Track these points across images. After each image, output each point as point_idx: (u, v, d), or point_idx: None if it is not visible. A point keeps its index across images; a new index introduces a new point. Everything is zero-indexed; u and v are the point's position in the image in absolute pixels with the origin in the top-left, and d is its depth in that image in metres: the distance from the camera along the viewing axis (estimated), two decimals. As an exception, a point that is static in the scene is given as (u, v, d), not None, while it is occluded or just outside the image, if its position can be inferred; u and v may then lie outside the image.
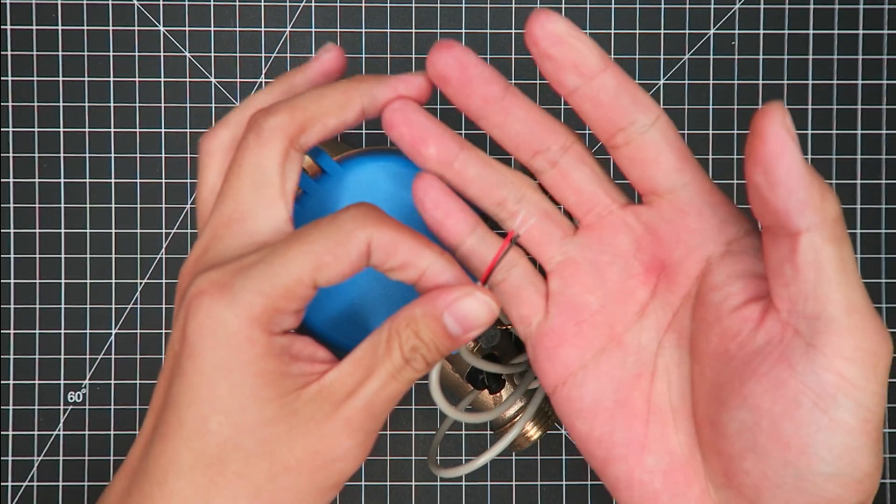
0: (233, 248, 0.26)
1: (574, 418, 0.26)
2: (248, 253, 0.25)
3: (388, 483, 0.43)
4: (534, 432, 0.38)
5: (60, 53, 0.43)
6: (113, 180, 0.43)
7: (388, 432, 0.43)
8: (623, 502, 0.26)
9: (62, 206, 0.43)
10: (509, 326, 0.39)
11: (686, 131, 0.44)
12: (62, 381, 0.43)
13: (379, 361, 0.25)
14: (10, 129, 0.43)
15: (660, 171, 0.25)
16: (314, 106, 0.26)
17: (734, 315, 0.24)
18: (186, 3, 0.43)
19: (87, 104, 0.43)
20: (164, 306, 0.43)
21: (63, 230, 0.43)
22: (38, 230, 0.43)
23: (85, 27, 0.43)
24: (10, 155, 0.43)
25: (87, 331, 0.43)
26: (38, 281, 0.43)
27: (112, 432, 0.43)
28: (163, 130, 0.43)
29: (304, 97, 0.26)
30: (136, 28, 0.43)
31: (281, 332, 0.25)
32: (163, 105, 0.43)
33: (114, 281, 0.43)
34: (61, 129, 0.43)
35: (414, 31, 0.43)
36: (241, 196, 0.26)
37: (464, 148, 0.26)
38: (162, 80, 0.43)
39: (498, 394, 0.38)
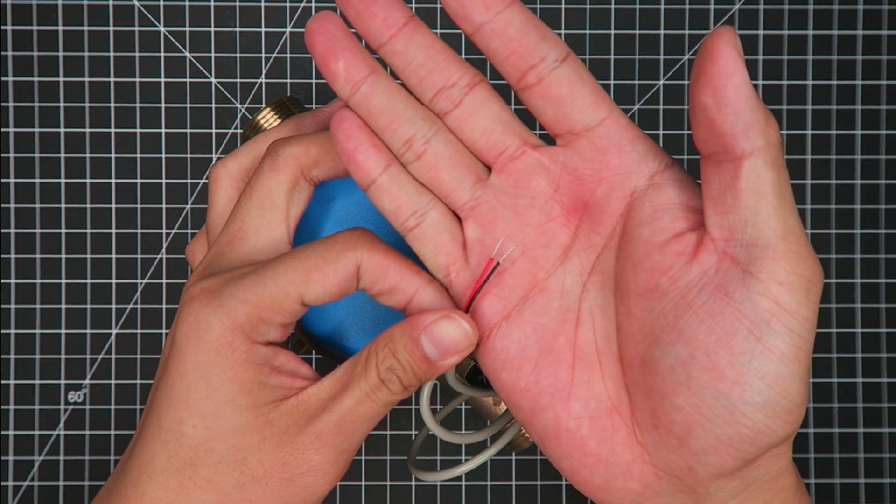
0: (231, 262, 0.26)
1: (500, 370, 0.25)
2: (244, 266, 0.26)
3: (388, 483, 0.43)
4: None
5: (61, 53, 0.43)
6: (113, 180, 0.43)
7: (388, 432, 0.44)
8: (551, 453, 0.25)
9: (62, 206, 0.43)
10: None
11: (686, 131, 0.44)
12: (62, 381, 0.43)
13: (355, 379, 0.25)
14: (11, 130, 0.43)
15: (575, 108, 0.24)
16: (330, 143, 0.27)
17: (665, 249, 0.23)
18: (186, 3, 0.43)
19: (87, 104, 0.43)
20: (164, 306, 0.43)
21: (63, 230, 0.43)
22: (38, 230, 0.43)
23: (85, 27, 0.43)
24: (11, 155, 0.43)
25: (87, 331, 0.43)
26: (38, 281, 0.43)
27: (112, 432, 0.43)
28: (163, 130, 0.43)
29: (323, 134, 0.27)
30: (137, 28, 0.43)
31: (264, 343, 0.25)
32: (163, 105, 0.43)
33: (114, 281, 0.43)
34: (61, 129, 0.43)
35: (414, 31, 0.43)
36: (248, 216, 0.27)
37: (374, 72, 0.25)
38: (162, 80, 0.43)
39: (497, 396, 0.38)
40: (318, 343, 0.32)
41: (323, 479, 0.26)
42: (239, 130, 0.43)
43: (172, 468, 0.25)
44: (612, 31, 0.44)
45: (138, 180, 0.43)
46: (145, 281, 0.43)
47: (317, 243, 0.25)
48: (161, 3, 0.43)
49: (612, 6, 0.44)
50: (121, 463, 0.27)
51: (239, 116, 0.43)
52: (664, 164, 0.25)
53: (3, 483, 0.43)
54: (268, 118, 0.37)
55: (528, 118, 0.44)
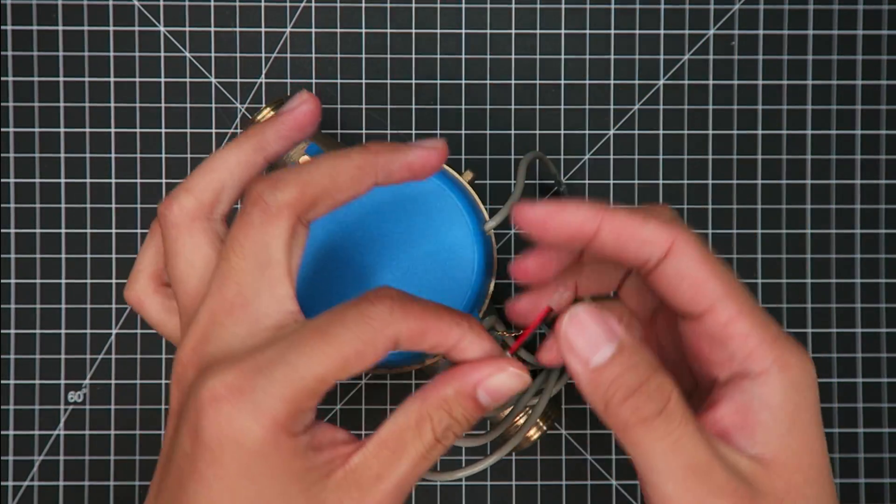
0: (240, 336, 0.24)
1: None
2: (260, 345, 0.23)
3: (388, 483, 0.43)
4: (534, 433, 0.38)
5: (61, 53, 0.43)
6: (113, 180, 0.43)
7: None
8: None
9: (62, 206, 0.43)
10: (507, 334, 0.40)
11: (686, 131, 0.44)
12: (62, 381, 0.43)
13: (409, 443, 0.24)
14: (11, 129, 0.43)
15: (679, 301, 0.25)
16: (326, 181, 0.25)
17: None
18: (186, 3, 0.43)
19: (87, 104, 0.43)
20: (164, 306, 0.43)
21: (63, 230, 0.43)
22: (38, 230, 0.43)
23: (85, 27, 0.43)
24: (11, 155, 0.43)
25: (87, 331, 0.43)
26: (38, 281, 0.43)
27: (112, 432, 0.43)
28: (163, 130, 0.43)
29: (315, 170, 0.25)
30: (137, 28, 0.43)
31: (303, 427, 0.24)
32: (163, 105, 0.43)
33: (114, 281, 0.43)
34: (61, 129, 0.43)
35: (414, 31, 0.43)
36: (245, 278, 0.24)
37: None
38: (162, 80, 0.43)
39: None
40: None
41: None
42: (239, 130, 0.43)
43: None
44: (612, 31, 0.44)
45: (138, 180, 0.43)
46: (145, 281, 0.43)
47: (347, 317, 0.23)
48: (161, 3, 0.43)
49: (612, 6, 0.44)
50: None
51: (239, 116, 0.43)
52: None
53: (3, 483, 0.43)
54: (268, 118, 0.37)
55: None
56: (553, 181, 0.44)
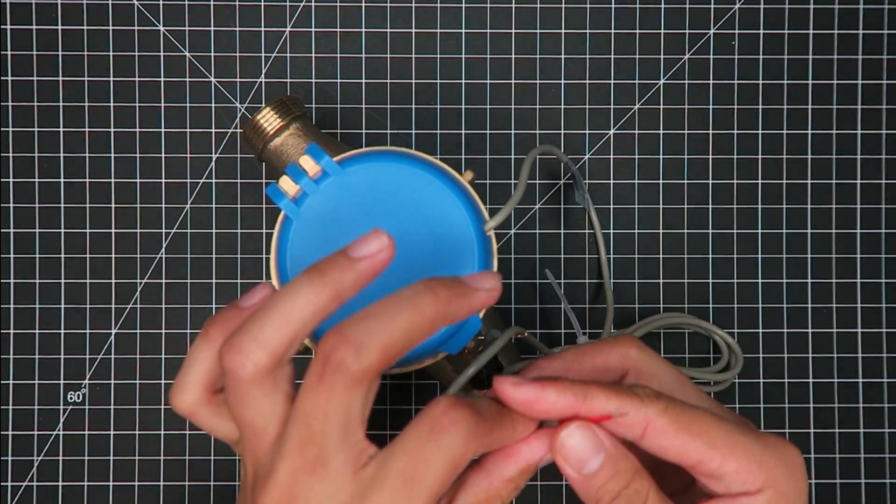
0: (326, 493, 0.24)
1: None
2: (347, 497, 0.24)
3: (388, 483, 0.43)
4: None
5: (60, 53, 0.43)
6: (113, 180, 0.43)
7: (388, 432, 0.43)
8: None
9: (62, 206, 0.43)
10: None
11: (686, 131, 0.44)
12: (62, 381, 0.43)
13: None
14: (10, 129, 0.43)
15: (671, 460, 0.27)
16: (405, 341, 0.25)
17: None
18: (186, 3, 0.43)
19: (87, 104, 0.43)
20: (163, 306, 0.43)
21: (63, 230, 0.43)
22: (38, 230, 0.43)
23: (85, 27, 0.43)
24: (10, 155, 0.43)
25: (87, 331, 0.43)
26: (38, 281, 0.43)
27: (112, 432, 0.43)
28: (163, 130, 0.43)
29: (393, 328, 0.24)
30: (136, 28, 0.43)
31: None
32: (163, 105, 0.43)
33: (114, 281, 0.43)
34: (61, 129, 0.43)
35: (414, 31, 0.43)
36: (327, 441, 0.24)
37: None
38: (162, 80, 0.43)
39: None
40: None
41: None
42: (239, 130, 0.43)
43: None
44: (612, 31, 0.44)
45: (138, 180, 0.43)
46: (145, 281, 0.43)
47: (428, 456, 0.24)
48: (161, 2, 0.43)
49: (612, 6, 0.44)
50: None
51: (239, 116, 0.43)
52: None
53: (2, 483, 0.43)
54: (268, 117, 0.37)
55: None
56: (568, 177, 0.44)
